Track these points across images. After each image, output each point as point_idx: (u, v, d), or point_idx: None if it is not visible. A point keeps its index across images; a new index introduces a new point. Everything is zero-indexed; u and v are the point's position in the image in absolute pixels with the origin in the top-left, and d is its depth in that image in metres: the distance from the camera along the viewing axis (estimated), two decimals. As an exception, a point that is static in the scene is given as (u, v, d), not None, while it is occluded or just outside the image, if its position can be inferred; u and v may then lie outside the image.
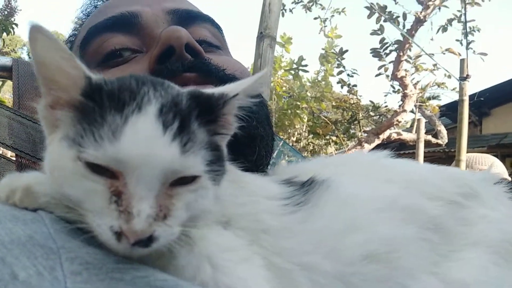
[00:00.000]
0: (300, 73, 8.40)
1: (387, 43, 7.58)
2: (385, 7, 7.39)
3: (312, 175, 0.57)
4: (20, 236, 0.39)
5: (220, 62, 0.75)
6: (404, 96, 7.79)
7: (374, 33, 7.57)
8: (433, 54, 7.26)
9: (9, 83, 1.08)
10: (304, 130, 9.96)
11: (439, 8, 7.56)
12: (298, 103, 8.47)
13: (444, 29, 7.88)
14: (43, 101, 0.47)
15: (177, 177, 0.42)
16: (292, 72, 8.41)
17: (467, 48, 6.90)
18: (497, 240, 0.56)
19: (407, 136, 8.40)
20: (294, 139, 9.86)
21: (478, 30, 7.70)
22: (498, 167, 7.17)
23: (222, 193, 0.50)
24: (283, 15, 7.42)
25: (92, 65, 0.77)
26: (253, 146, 0.69)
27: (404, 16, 7.49)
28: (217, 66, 0.73)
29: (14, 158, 0.91)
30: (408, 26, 7.52)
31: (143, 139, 0.40)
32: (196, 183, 0.43)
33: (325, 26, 8.39)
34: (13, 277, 0.35)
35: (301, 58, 8.25)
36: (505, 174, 7.37)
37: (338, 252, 0.50)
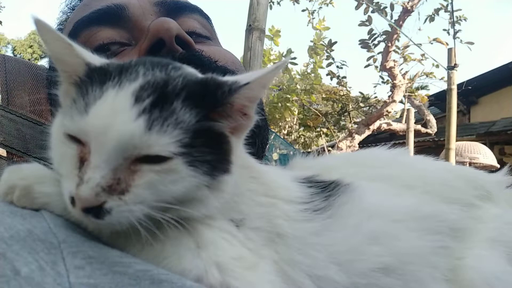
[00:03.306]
0: (289, 65, 8.40)
1: (375, 34, 7.60)
2: (373, -2, 7.40)
3: (335, 178, 0.56)
4: (20, 231, 0.39)
5: (211, 53, 0.74)
6: (393, 87, 7.83)
7: (362, 24, 7.58)
8: (421, 44, 7.32)
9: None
10: (295, 123, 9.97)
11: (426, -2, 7.59)
12: (288, 96, 8.46)
13: (431, 19, 7.92)
14: (61, 86, 0.49)
15: (140, 154, 0.41)
16: (282, 65, 8.38)
17: (454, 38, 6.96)
18: (510, 239, 0.56)
19: (397, 126, 8.46)
20: (285, 132, 9.87)
21: (465, 19, 7.76)
22: (487, 154, 7.27)
23: (241, 187, 0.49)
24: (271, 8, 7.39)
25: None
26: (253, 138, 0.69)
27: (392, 7, 7.51)
28: (209, 58, 0.73)
29: (5, 155, 0.90)
30: (395, 16, 7.55)
31: (108, 111, 0.41)
32: (164, 164, 0.41)
33: (313, 18, 8.38)
34: (15, 272, 0.34)
35: (289, 51, 8.23)
36: (494, 162, 7.47)
37: (353, 264, 0.50)
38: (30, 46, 23.02)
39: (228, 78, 0.47)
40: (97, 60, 0.48)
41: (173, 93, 0.43)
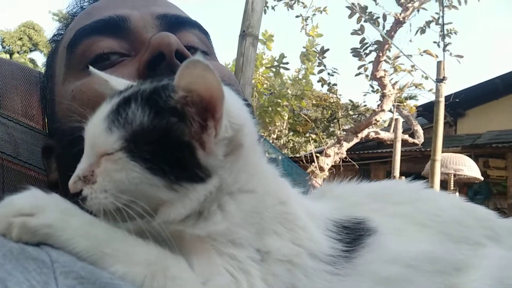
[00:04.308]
0: (281, 70, 8.44)
1: (367, 43, 7.67)
2: (366, 7, 7.48)
3: (361, 219, 0.56)
4: (12, 249, 0.39)
5: None
6: (383, 96, 7.92)
7: (354, 33, 7.65)
8: (411, 56, 7.41)
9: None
10: (284, 127, 10.02)
11: (418, 10, 7.70)
12: (279, 100, 8.51)
13: (422, 31, 8.03)
14: None
15: (102, 150, 0.49)
16: (273, 69, 8.43)
17: (444, 50, 7.08)
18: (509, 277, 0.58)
19: (385, 135, 8.55)
20: (275, 136, 9.91)
21: (455, 33, 7.89)
22: (471, 167, 7.38)
23: (265, 220, 0.50)
24: (265, 12, 7.42)
25: (80, 68, 0.76)
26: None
27: (384, 17, 7.61)
28: None
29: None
30: (387, 27, 7.64)
31: (92, 120, 0.52)
32: (112, 156, 0.48)
33: (306, 25, 8.44)
34: None
35: (282, 56, 8.28)
36: (478, 174, 7.57)
37: None
38: (20, 39, 22.61)
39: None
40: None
41: (133, 99, 0.49)
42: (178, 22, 0.81)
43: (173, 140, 0.47)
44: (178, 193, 0.48)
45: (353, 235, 0.54)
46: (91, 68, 0.62)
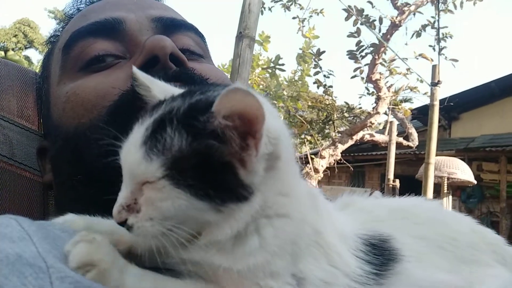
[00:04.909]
0: (277, 72, 8.45)
1: (363, 46, 7.71)
2: (362, 10, 7.52)
3: (386, 240, 0.58)
4: (9, 255, 0.39)
5: (203, 71, 0.76)
6: (378, 99, 7.96)
7: (351, 35, 7.69)
8: (406, 59, 7.48)
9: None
10: (279, 128, 10.00)
11: (414, 14, 7.76)
12: (275, 102, 8.51)
13: (418, 34, 8.09)
14: None
15: (142, 178, 0.47)
16: (270, 70, 8.44)
17: (439, 54, 7.13)
18: None
19: (380, 138, 8.60)
20: (270, 137, 9.89)
21: (451, 37, 7.95)
22: (465, 170, 7.42)
23: (301, 241, 0.50)
24: (262, 13, 7.44)
25: (75, 70, 0.76)
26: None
27: (380, 20, 7.65)
28: (200, 76, 0.74)
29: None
30: (384, 30, 7.68)
31: (127, 145, 0.49)
32: (154, 184, 0.47)
33: (303, 26, 8.46)
34: None
35: (278, 57, 8.29)
36: (471, 177, 7.62)
37: None
38: (15, 35, 22.45)
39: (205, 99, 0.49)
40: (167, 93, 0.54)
41: (169, 121, 0.47)
42: (173, 25, 0.81)
43: (214, 162, 0.46)
44: (224, 214, 0.47)
45: (382, 257, 0.55)
46: (134, 69, 0.59)
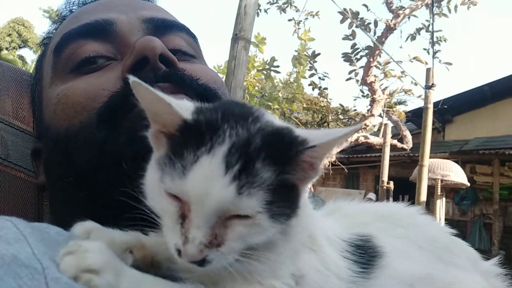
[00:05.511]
0: (272, 74, 8.46)
1: (358, 48, 7.75)
2: (358, 13, 7.56)
3: (368, 239, 0.61)
4: (4, 256, 0.40)
5: (193, 72, 0.75)
6: (373, 101, 7.99)
7: (346, 38, 7.72)
8: (401, 62, 7.51)
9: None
10: (274, 130, 10.02)
11: (409, 17, 7.81)
12: (270, 103, 8.52)
13: (412, 37, 8.14)
14: (151, 129, 0.53)
15: (232, 213, 0.46)
16: (265, 72, 8.45)
17: (433, 57, 7.18)
18: None
19: (374, 140, 8.63)
20: (265, 139, 9.91)
21: (445, 40, 8.01)
22: (458, 173, 7.46)
23: (299, 244, 0.53)
24: (257, 15, 7.45)
25: (66, 71, 0.76)
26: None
27: (376, 23, 7.69)
28: (190, 76, 0.74)
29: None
30: (379, 33, 7.72)
31: (204, 179, 0.45)
32: (250, 220, 0.46)
33: (298, 28, 8.49)
34: None
35: (273, 59, 8.30)
36: (465, 180, 7.65)
37: None
38: (9, 35, 22.32)
39: (299, 134, 0.50)
40: (188, 108, 0.51)
41: (255, 154, 0.47)
42: (164, 26, 0.81)
43: (289, 187, 0.49)
44: (283, 233, 0.50)
45: (367, 255, 0.59)
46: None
